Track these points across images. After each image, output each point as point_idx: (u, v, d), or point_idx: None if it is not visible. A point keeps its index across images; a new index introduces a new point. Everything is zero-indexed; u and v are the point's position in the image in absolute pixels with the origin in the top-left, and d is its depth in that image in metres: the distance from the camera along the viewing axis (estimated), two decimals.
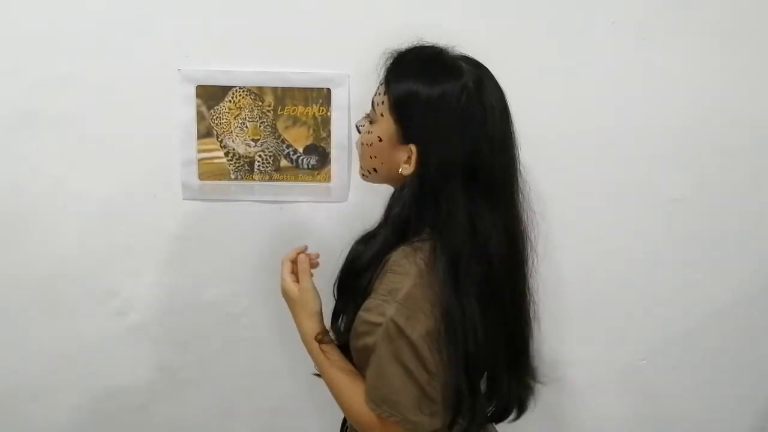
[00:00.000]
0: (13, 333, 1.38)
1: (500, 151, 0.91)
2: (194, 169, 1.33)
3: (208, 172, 1.33)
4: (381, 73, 0.95)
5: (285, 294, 1.05)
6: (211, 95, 1.29)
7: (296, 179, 1.34)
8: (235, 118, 1.31)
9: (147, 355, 1.41)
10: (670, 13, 1.29)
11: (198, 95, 1.29)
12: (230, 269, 1.38)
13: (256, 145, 1.32)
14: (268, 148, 1.33)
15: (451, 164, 0.87)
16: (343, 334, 0.97)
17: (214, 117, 1.31)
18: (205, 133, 1.31)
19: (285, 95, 1.30)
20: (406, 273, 0.87)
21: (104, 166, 1.31)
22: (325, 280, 1.38)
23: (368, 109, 0.97)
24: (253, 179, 1.34)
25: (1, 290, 1.36)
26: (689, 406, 1.49)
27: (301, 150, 1.33)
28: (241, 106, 1.30)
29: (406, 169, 0.90)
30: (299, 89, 1.30)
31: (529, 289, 0.98)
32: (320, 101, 1.30)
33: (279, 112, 1.31)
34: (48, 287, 1.36)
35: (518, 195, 0.95)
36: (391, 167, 0.93)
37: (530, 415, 1.03)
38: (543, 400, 1.04)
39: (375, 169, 0.96)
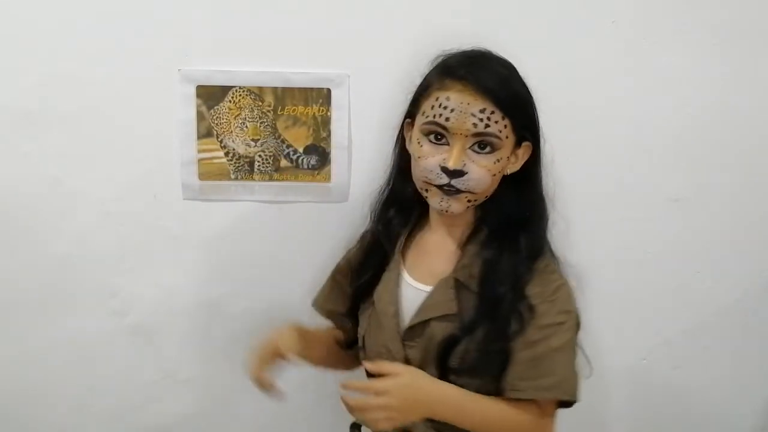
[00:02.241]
0: (13, 333, 1.38)
1: None
2: (194, 169, 1.33)
3: (208, 172, 1.33)
4: (481, 98, 0.92)
5: (389, 393, 0.92)
6: (211, 95, 1.29)
7: (296, 179, 1.34)
8: (235, 118, 1.31)
9: (147, 354, 1.41)
10: (670, 13, 1.29)
11: (198, 95, 1.29)
12: (230, 269, 1.38)
13: (256, 145, 1.32)
14: (268, 148, 1.33)
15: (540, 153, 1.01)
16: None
17: (214, 117, 1.31)
18: (205, 133, 1.31)
19: (285, 95, 1.30)
20: (552, 270, 1.01)
21: (104, 166, 1.31)
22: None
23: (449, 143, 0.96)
24: (253, 179, 1.34)
25: (1, 290, 1.36)
26: (689, 406, 1.49)
27: (301, 150, 1.33)
28: (241, 106, 1.30)
29: (512, 169, 0.98)
30: (299, 89, 1.30)
31: None
32: (320, 101, 1.30)
33: (279, 112, 1.31)
34: (48, 287, 1.36)
35: None
36: (500, 176, 0.98)
37: None
38: None
39: (492, 186, 0.98)
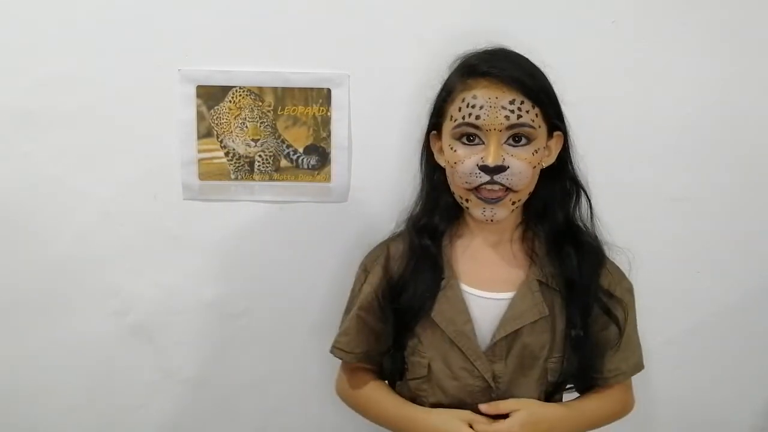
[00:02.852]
0: (12, 333, 1.38)
1: None
2: (194, 169, 1.33)
3: (208, 172, 1.33)
4: (509, 91, 0.92)
5: None
6: (211, 95, 1.29)
7: (296, 179, 1.34)
8: (235, 118, 1.31)
9: (147, 355, 1.41)
10: (670, 13, 1.29)
11: (198, 95, 1.29)
12: (230, 269, 1.38)
13: (256, 145, 1.32)
14: (268, 148, 1.33)
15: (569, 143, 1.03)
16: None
17: (214, 117, 1.31)
18: (205, 133, 1.31)
19: (285, 95, 1.30)
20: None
21: (104, 166, 1.31)
22: (326, 281, 1.39)
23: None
24: (253, 179, 1.34)
25: (1, 290, 1.36)
26: (689, 406, 1.49)
27: (301, 150, 1.33)
28: (242, 106, 1.30)
29: (547, 161, 0.99)
30: (299, 89, 1.30)
31: None
32: (320, 101, 1.30)
33: (279, 112, 1.31)
34: (48, 287, 1.36)
35: None
36: (538, 169, 0.98)
37: None
38: None
39: (532, 182, 0.98)
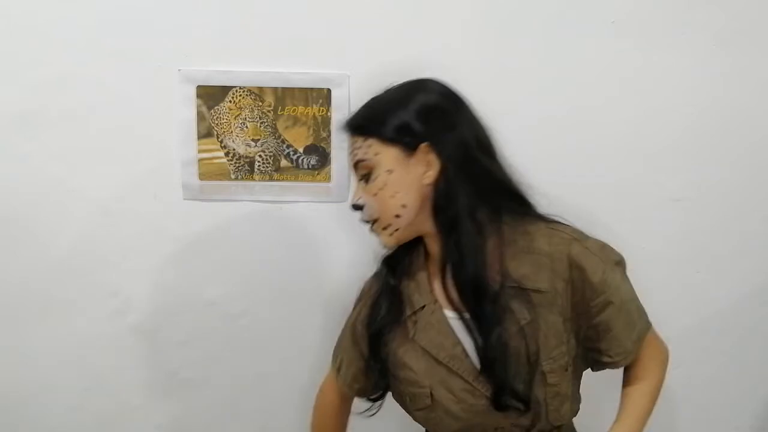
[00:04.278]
0: (13, 333, 1.38)
1: (481, 122, 0.99)
2: (194, 169, 1.33)
3: (208, 172, 1.33)
4: (351, 138, 0.98)
5: None
6: (211, 95, 1.29)
7: (296, 179, 1.34)
8: (235, 119, 1.31)
9: (147, 355, 1.41)
10: (670, 13, 1.29)
11: (198, 95, 1.29)
12: (230, 269, 1.38)
13: (256, 145, 1.32)
14: (268, 148, 1.33)
15: (461, 139, 0.93)
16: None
17: (215, 117, 1.31)
18: (205, 133, 1.31)
19: (285, 95, 1.30)
20: (580, 233, 0.99)
21: (104, 166, 1.31)
22: (326, 281, 1.39)
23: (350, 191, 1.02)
24: (254, 179, 1.34)
25: (1, 290, 1.36)
26: (689, 406, 1.49)
27: (301, 150, 1.33)
28: (242, 106, 1.30)
29: (430, 177, 0.93)
30: (299, 89, 1.30)
31: None
32: (320, 101, 1.30)
33: (279, 113, 1.31)
34: (48, 287, 1.36)
35: None
36: (415, 190, 0.93)
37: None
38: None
39: (404, 206, 0.93)
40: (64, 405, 1.43)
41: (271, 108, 1.31)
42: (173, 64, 1.27)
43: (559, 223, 0.99)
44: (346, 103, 1.30)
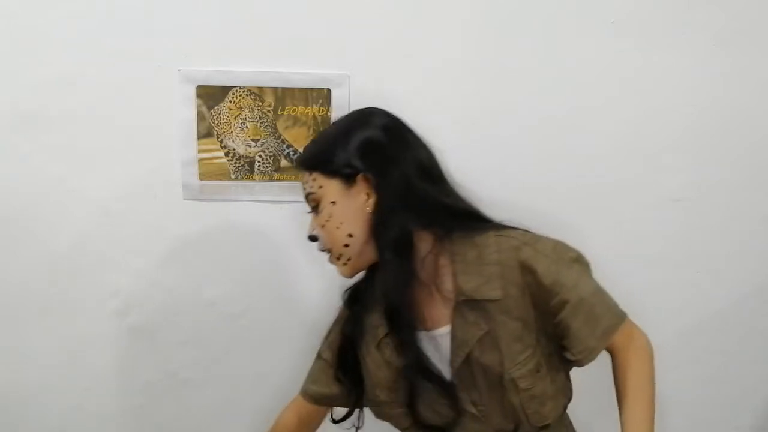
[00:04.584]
0: (13, 333, 1.38)
1: (426, 148, 1.03)
2: (194, 169, 1.33)
3: (208, 172, 1.33)
4: (301, 173, 1.03)
5: None
6: (211, 95, 1.29)
7: (296, 179, 1.34)
8: (235, 119, 1.31)
9: (147, 355, 1.41)
10: (670, 13, 1.29)
11: (198, 95, 1.29)
12: (230, 269, 1.38)
13: (256, 145, 1.32)
14: (268, 148, 1.33)
15: (400, 170, 0.97)
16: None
17: (215, 117, 1.31)
18: (205, 133, 1.31)
19: (285, 95, 1.30)
20: (531, 237, 0.98)
21: (104, 166, 1.31)
22: (326, 281, 1.39)
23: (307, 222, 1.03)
24: (254, 179, 1.34)
25: (1, 290, 1.36)
26: (689, 406, 1.49)
27: (301, 150, 1.33)
28: (242, 106, 1.30)
29: (370, 205, 0.97)
30: (299, 89, 1.30)
31: None
32: (320, 101, 1.30)
33: (279, 112, 1.31)
34: (48, 287, 1.36)
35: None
36: (360, 219, 0.97)
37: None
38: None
39: (350, 235, 0.98)
40: (64, 405, 1.43)
41: (271, 108, 1.31)
42: (173, 64, 1.27)
43: (511, 229, 0.99)
44: (346, 103, 1.30)
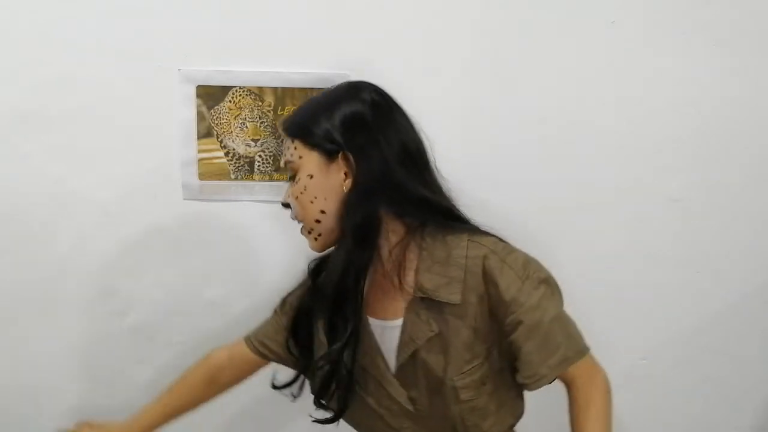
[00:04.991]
0: (13, 333, 1.38)
1: (415, 133, 0.98)
2: (194, 169, 1.33)
3: (208, 172, 1.33)
4: (284, 137, 0.99)
5: None
6: (211, 95, 1.29)
7: None
8: (235, 118, 1.31)
9: (147, 355, 1.41)
10: (669, 13, 1.29)
11: (198, 95, 1.29)
12: (230, 269, 1.38)
13: (256, 145, 1.32)
14: (268, 148, 1.33)
15: (381, 152, 0.92)
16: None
17: (215, 117, 1.31)
18: (205, 133, 1.31)
19: (285, 95, 1.30)
20: (504, 248, 0.93)
21: (104, 166, 1.31)
22: None
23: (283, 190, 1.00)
24: (254, 179, 1.34)
25: (1, 290, 1.36)
26: (689, 406, 1.49)
27: None
28: (242, 106, 1.30)
29: (347, 185, 0.93)
30: (299, 89, 1.30)
31: None
32: None
33: (279, 112, 1.31)
34: (48, 287, 1.36)
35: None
36: (335, 197, 0.93)
37: (529, 415, 1.03)
38: (542, 400, 1.04)
39: (322, 211, 0.94)
40: (64, 405, 1.43)
41: (271, 108, 1.31)
42: (173, 63, 1.27)
43: (487, 235, 0.95)
44: None
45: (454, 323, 0.92)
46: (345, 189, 0.93)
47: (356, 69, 1.28)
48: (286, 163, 0.98)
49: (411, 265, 0.94)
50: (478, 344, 0.92)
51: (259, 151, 1.33)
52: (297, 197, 0.96)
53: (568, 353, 0.89)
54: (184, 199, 1.34)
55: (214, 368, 1.18)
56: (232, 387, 1.20)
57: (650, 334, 1.45)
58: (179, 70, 1.28)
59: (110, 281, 1.37)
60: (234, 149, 1.32)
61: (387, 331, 0.97)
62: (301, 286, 1.11)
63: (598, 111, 1.34)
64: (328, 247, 0.99)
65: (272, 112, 1.31)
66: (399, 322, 0.96)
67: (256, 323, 1.40)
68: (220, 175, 1.33)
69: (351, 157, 0.92)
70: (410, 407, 0.96)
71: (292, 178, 0.97)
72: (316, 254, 1.02)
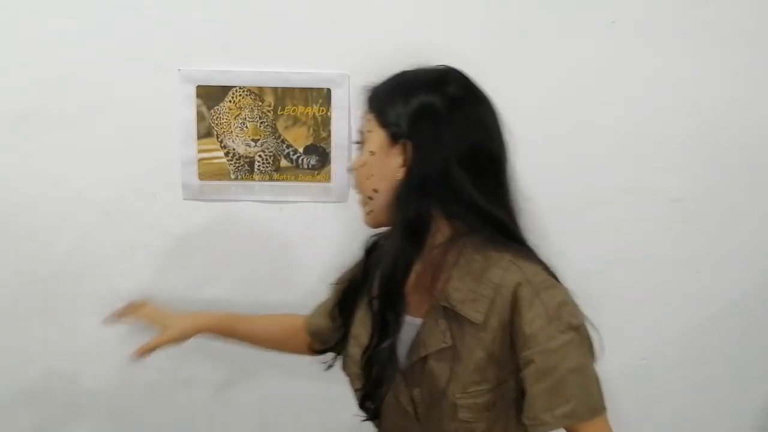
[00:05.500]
0: (13, 333, 1.38)
1: (494, 137, 0.94)
2: (194, 169, 1.33)
3: (208, 172, 1.33)
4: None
5: None
6: (211, 95, 1.29)
7: (296, 179, 1.34)
8: (235, 118, 1.31)
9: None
10: (670, 13, 1.29)
11: (198, 95, 1.29)
12: (230, 269, 1.38)
13: (256, 145, 1.32)
14: (268, 148, 1.33)
15: (443, 150, 0.89)
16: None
17: (215, 117, 1.31)
18: (205, 133, 1.31)
19: (285, 95, 1.30)
20: (545, 280, 0.88)
21: (104, 166, 1.32)
22: (326, 281, 1.39)
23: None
24: (253, 179, 1.34)
25: (1, 290, 1.36)
26: (689, 406, 1.49)
27: (301, 150, 1.33)
28: (241, 106, 1.30)
29: (401, 173, 0.91)
30: (299, 89, 1.30)
31: None
32: (320, 101, 1.30)
33: (279, 112, 1.31)
34: (48, 287, 1.36)
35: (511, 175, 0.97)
36: (389, 180, 0.92)
37: None
38: None
39: (375, 190, 0.93)
40: (64, 405, 1.43)
41: (271, 108, 1.31)
42: (173, 63, 1.27)
43: (532, 261, 0.90)
44: (346, 103, 1.30)
45: (470, 341, 0.89)
46: (399, 176, 0.91)
47: (356, 69, 1.29)
48: (359, 130, 0.98)
49: (446, 269, 0.92)
50: (491, 370, 0.89)
51: (259, 151, 1.33)
52: (356, 169, 0.96)
53: (579, 409, 0.83)
54: (184, 199, 1.34)
55: (292, 329, 1.21)
56: (294, 354, 1.24)
57: (650, 334, 1.45)
58: (179, 70, 1.28)
59: (110, 281, 1.37)
60: (234, 149, 1.32)
61: (407, 327, 0.95)
62: (356, 264, 1.11)
63: (598, 111, 1.34)
64: (379, 226, 0.98)
65: (272, 112, 1.31)
66: (419, 321, 0.94)
67: None
68: (220, 175, 1.33)
69: (410, 147, 0.90)
70: (410, 408, 0.95)
71: (360, 146, 0.97)
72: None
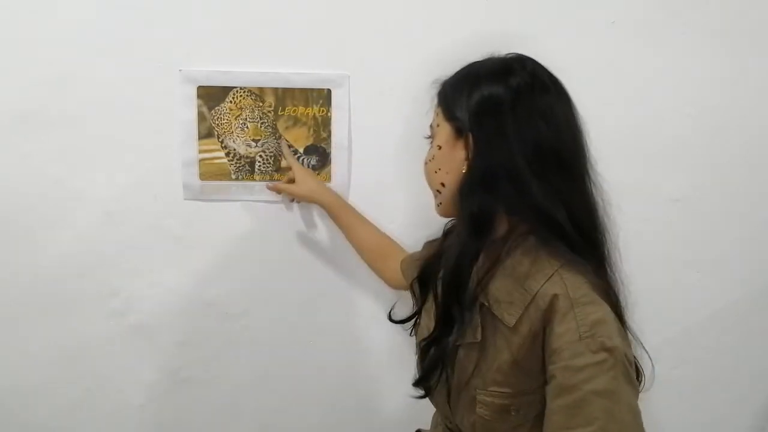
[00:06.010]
0: (13, 333, 1.38)
1: (563, 130, 0.90)
2: (195, 169, 1.33)
3: (208, 172, 1.33)
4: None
5: None
6: (211, 96, 1.29)
7: None
8: (236, 119, 1.31)
9: (147, 355, 1.41)
10: (670, 13, 1.29)
11: (199, 96, 1.29)
12: (230, 269, 1.38)
13: (256, 146, 1.32)
14: (268, 149, 1.33)
15: (507, 145, 0.86)
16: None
17: (215, 117, 1.31)
18: (206, 133, 1.31)
19: (285, 96, 1.30)
20: (587, 296, 0.83)
21: (104, 166, 1.31)
22: (326, 281, 1.39)
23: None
24: (254, 179, 1.34)
25: (1, 290, 1.36)
26: (689, 406, 1.50)
27: (301, 150, 1.33)
28: (242, 106, 1.30)
29: (465, 166, 0.90)
30: (299, 90, 1.30)
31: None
32: (320, 102, 1.30)
33: (279, 113, 1.31)
34: (48, 287, 1.36)
35: (587, 174, 0.94)
36: (456, 173, 0.91)
37: None
38: None
39: (443, 184, 0.93)
40: (64, 405, 1.43)
41: (272, 108, 1.31)
42: (174, 64, 1.27)
43: (577, 274, 0.85)
44: (346, 103, 1.30)
45: (499, 342, 0.88)
46: (463, 170, 0.90)
47: (356, 69, 1.29)
48: (430, 125, 0.99)
49: (495, 266, 0.90)
50: (515, 375, 0.87)
51: (259, 152, 1.33)
52: (426, 162, 0.97)
53: None
54: (185, 199, 1.34)
55: (388, 252, 1.28)
56: (375, 271, 1.31)
57: (650, 334, 1.45)
58: (180, 70, 1.28)
59: (110, 281, 1.37)
60: (235, 149, 1.32)
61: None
62: (439, 241, 1.12)
63: (598, 111, 1.33)
64: (449, 216, 1.00)
65: (273, 113, 1.31)
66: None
67: (256, 323, 1.41)
68: (221, 175, 1.33)
69: (472, 140, 0.88)
70: (444, 390, 0.95)
71: (430, 140, 0.98)
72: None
